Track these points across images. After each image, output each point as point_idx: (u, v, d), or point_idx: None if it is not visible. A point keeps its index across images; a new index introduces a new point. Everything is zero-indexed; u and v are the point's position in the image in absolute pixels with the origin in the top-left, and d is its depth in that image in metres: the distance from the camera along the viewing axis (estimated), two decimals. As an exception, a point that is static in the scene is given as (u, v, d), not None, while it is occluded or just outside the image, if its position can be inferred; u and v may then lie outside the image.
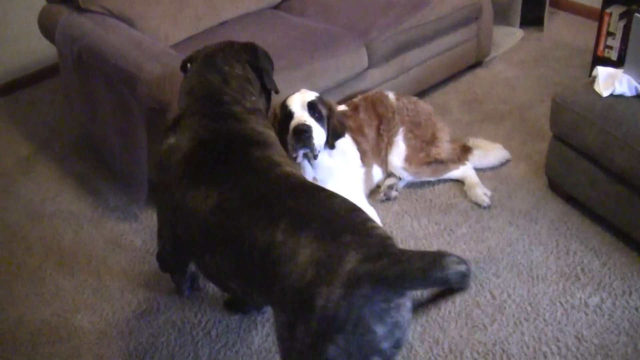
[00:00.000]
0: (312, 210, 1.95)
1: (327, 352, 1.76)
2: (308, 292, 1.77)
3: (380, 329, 1.76)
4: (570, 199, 3.29)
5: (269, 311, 2.84)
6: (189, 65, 2.66)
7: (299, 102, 2.96)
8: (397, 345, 1.83)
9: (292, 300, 1.82)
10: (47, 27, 3.65)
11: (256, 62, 2.68)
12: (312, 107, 2.95)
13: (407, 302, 1.83)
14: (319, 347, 1.78)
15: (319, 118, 2.96)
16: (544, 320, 2.71)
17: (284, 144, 2.96)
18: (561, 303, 2.79)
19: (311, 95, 3.00)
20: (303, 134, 2.87)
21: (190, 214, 2.17)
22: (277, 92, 2.77)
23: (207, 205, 2.10)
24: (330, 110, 3.05)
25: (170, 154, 2.31)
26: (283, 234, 1.88)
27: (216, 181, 2.13)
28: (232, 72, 2.54)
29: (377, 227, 1.92)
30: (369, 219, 1.95)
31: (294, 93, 3.04)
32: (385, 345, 1.79)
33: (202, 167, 2.20)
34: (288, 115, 2.95)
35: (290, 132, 2.90)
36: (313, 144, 2.91)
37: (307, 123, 2.90)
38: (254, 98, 2.55)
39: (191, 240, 2.25)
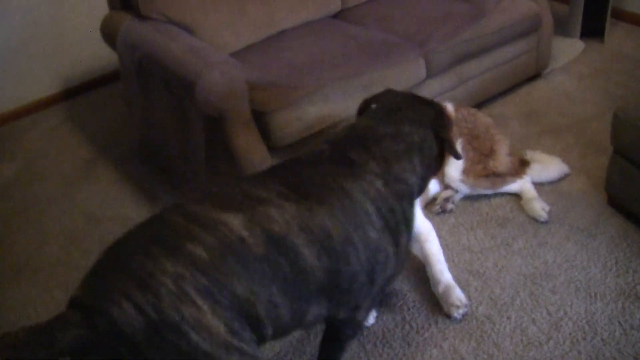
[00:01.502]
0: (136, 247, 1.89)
1: None
2: None
3: None
4: (631, 216, 3.22)
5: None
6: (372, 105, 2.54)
7: None
8: None
9: None
10: (109, 34, 3.71)
11: (439, 129, 2.46)
12: None
13: None
14: None
15: None
16: (602, 339, 2.66)
17: None
18: (620, 323, 2.74)
19: None
20: None
21: None
22: (458, 159, 2.58)
23: None
24: None
25: None
26: None
27: None
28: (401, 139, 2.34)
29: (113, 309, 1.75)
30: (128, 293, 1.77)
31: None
32: None
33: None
34: None
35: None
36: None
37: None
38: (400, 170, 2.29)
39: None
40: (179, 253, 1.81)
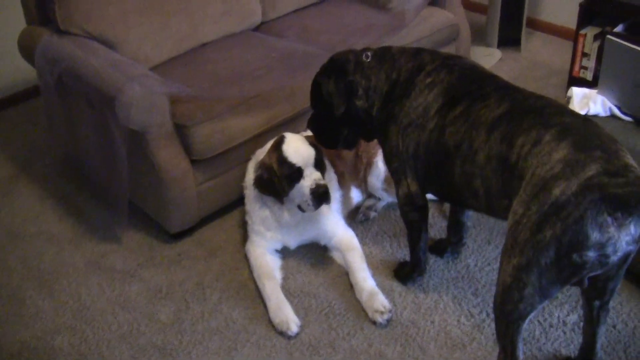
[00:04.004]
0: (580, 128, 2.17)
1: (543, 232, 2.03)
2: (551, 181, 2.03)
3: (594, 236, 1.96)
4: (548, 218, 3.31)
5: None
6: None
7: (303, 158, 2.93)
8: (604, 261, 2.02)
9: (535, 185, 2.08)
10: (27, 49, 3.64)
11: None
12: (317, 162, 2.98)
13: (633, 228, 1.98)
14: (539, 226, 2.04)
15: (320, 167, 3.01)
16: (523, 339, 2.73)
17: (282, 197, 3.00)
18: (539, 322, 2.82)
19: (309, 147, 2.97)
20: (326, 195, 2.93)
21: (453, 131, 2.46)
22: None
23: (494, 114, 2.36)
24: (320, 151, 3.04)
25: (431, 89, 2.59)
26: (551, 136, 2.14)
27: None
28: None
29: (628, 157, 2.07)
30: (624, 151, 2.10)
31: (284, 141, 2.98)
32: (591, 253, 1.99)
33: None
34: (296, 172, 2.92)
35: (308, 194, 2.91)
36: (330, 198, 2.99)
37: (324, 183, 2.94)
38: None
39: (441, 159, 2.53)
40: None
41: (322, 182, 2.93)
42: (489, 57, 5.04)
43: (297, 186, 2.93)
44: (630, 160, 2.06)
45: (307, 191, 2.91)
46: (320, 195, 2.91)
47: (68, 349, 2.89)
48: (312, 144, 3.00)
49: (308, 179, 2.92)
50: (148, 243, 3.43)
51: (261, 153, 3.16)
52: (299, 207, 3.00)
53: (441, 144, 2.50)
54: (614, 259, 2.01)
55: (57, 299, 3.14)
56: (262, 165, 3.02)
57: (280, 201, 3.02)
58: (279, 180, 2.94)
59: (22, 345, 2.92)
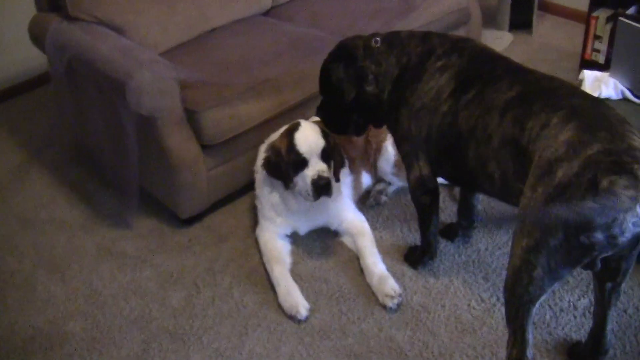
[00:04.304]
0: (589, 110, 2.16)
1: (550, 214, 2.04)
2: (555, 163, 2.04)
3: (598, 217, 1.94)
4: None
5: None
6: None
7: (310, 148, 2.91)
8: (612, 242, 2.00)
9: (541, 167, 2.09)
10: (37, 35, 3.65)
11: None
12: (324, 153, 2.93)
13: (639, 209, 1.95)
14: (546, 205, 2.03)
15: (327, 159, 2.96)
16: (533, 323, 2.69)
17: (287, 181, 2.99)
18: (550, 306, 2.81)
19: (320, 138, 2.93)
20: (326, 188, 2.90)
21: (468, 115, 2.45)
22: None
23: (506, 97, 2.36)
24: (333, 144, 3.01)
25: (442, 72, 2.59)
26: (559, 118, 2.14)
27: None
28: None
29: (635, 138, 2.04)
30: (632, 132, 2.07)
31: (298, 128, 2.96)
32: (598, 234, 1.97)
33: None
34: (301, 161, 2.90)
35: (309, 184, 2.88)
36: (332, 191, 2.95)
37: (327, 175, 2.90)
38: None
39: (453, 142, 2.53)
40: None
41: (325, 174, 2.90)
42: (500, 41, 5.01)
43: (301, 174, 2.92)
44: (637, 143, 2.03)
45: (308, 181, 2.89)
46: (320, 187, 2.89)
47: (80, 334, 2.90)
48: (325, 134, 2.97)
49: (312, 169, 2.90)
50: (159, 229, 3.44)
51: (273, 138, 3.15)
52: (301, 195, 3.00)
53: (455, 128, 2.49)
54: (622, 239, 1.99)
55: (69, 285, 3.16)
56: (272, 148, 3.02)
57: (286, 186, 3.02)
58: (285, 165, 2.94)
59: (34, 331, 2.94)
